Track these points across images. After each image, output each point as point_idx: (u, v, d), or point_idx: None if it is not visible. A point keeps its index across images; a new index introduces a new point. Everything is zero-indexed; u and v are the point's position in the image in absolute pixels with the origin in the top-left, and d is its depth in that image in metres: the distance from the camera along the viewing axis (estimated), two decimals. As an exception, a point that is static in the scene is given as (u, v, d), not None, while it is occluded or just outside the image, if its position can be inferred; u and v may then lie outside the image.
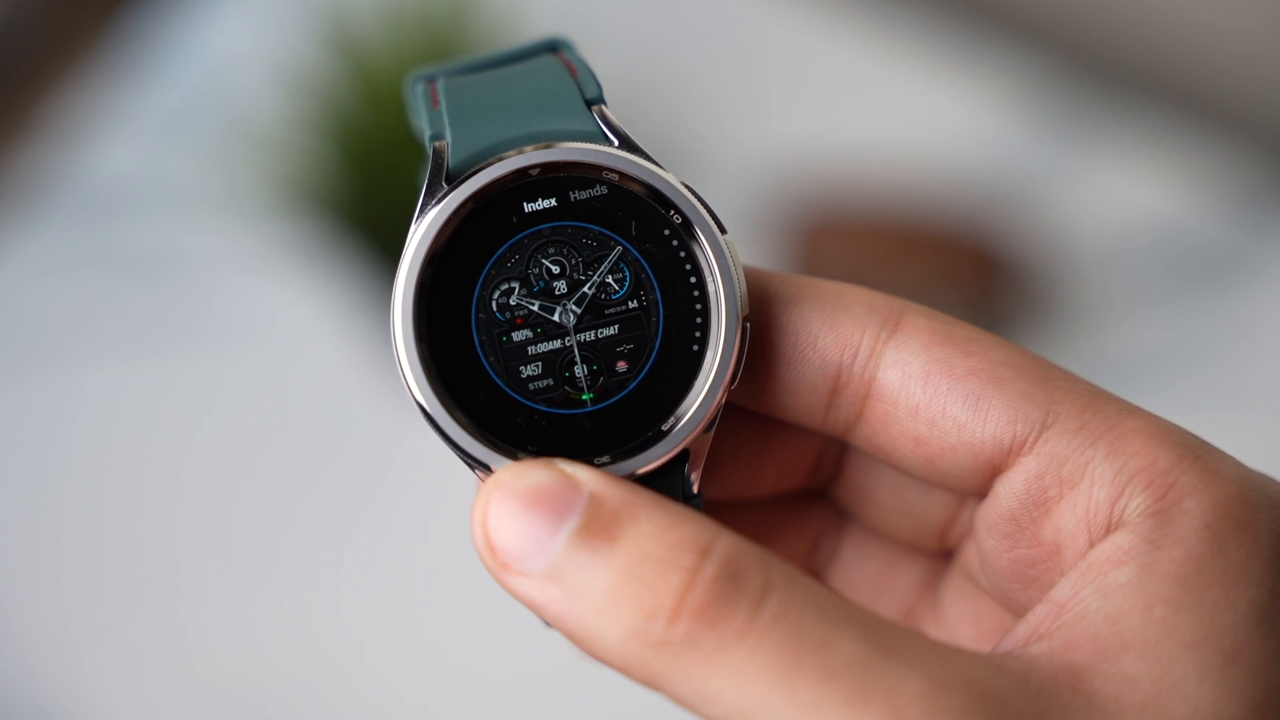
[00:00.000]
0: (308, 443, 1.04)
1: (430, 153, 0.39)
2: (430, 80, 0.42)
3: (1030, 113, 1.12)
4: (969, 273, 1.02)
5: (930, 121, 1.12)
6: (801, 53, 1.16)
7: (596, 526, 0.35)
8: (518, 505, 0.35)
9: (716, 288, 0.39)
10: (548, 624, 0.38)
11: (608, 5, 1.17)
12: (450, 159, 0.39)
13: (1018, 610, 0.40)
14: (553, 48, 0.43)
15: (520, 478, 0.36)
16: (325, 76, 1.00)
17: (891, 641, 0.32)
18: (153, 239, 1.11)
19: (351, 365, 1.05)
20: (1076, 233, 1.07)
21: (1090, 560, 0.35)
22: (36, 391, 1.06)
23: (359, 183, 0.98)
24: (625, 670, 0.34)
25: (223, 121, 1.10)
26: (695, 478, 0.39)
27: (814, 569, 0.46)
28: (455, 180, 0.39)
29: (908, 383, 0.38)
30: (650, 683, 0.34)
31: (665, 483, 0.39)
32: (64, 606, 1.00)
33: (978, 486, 0.39)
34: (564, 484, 0.36)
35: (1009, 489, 0.38)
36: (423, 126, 0.41)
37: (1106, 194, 1.09)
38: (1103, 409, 0.37)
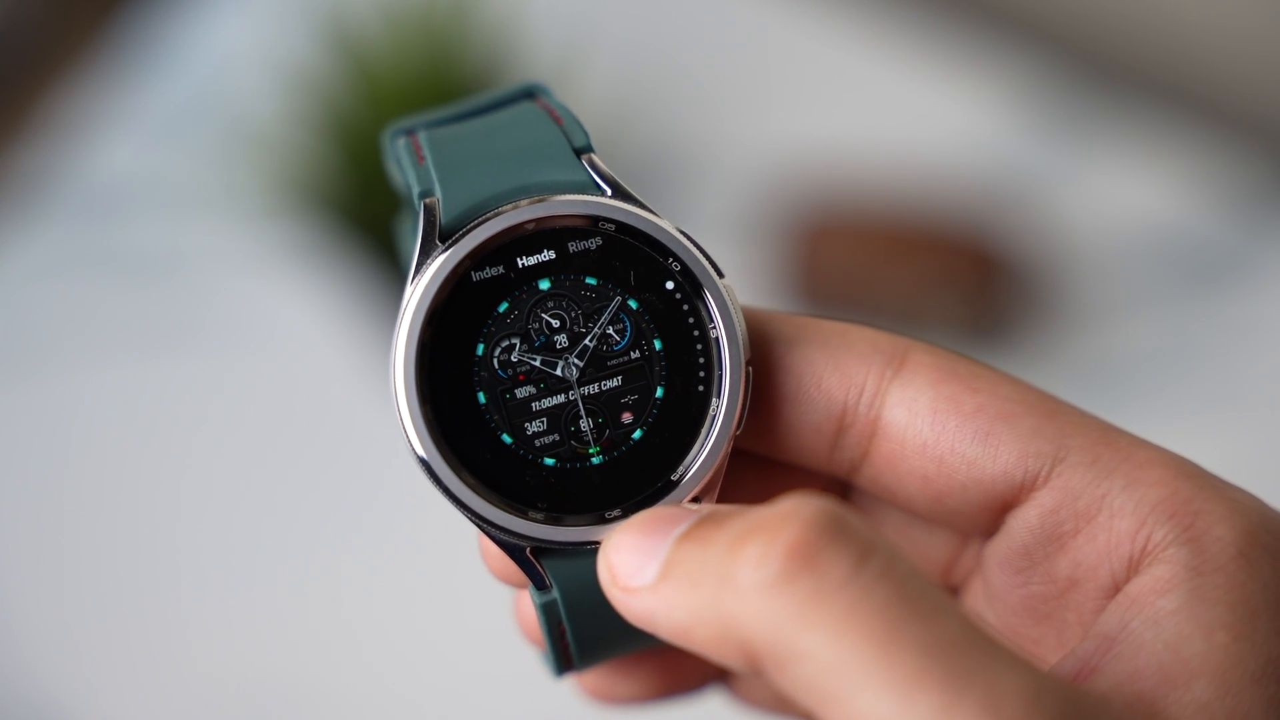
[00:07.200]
0: (307, 442, 1.04)
1: (421, 210, 0.39)
2: (410, 133, 0.41)
3: (1030, 113, 1.12)
4: (969, 273, 1.02)
5: (930, 121, 1.12)
6: (801, 53, 1.16)
7: (707, 523, 0.34)
8: (635, 529, 0.35)
9: (718, 333, 0.39)
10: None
11: (608, 5, 1.17)
12: (442, 216, 0.39)
13: (1028, 648, 0.39)
14: (530, 94, 0.43)
15: (640, 513, 0.36)
16: (325, 76, 1.00)
17: (988, 635, 0.31)
18: (153, 239, 1.11)
19: (351, 365, 1.05)
20: (1076, 233, 1.07)
21: (1131, 592, 0.35)
22: (37, 392, 1.06)
23: (359, 183, 0.98)
24: (720, 645, 0.32)
25: (223, 121, 1.10)
26: None
27: None
28: (449, 238, 0.38)
29: (915, 421, 0.38)
30: (744, 650, 0.32)
31: None
32: (64, 606, 1.00)
33: (986, 524, 0.39)
34: (680, 509, 0.36)
35: (1022, 524, 0.37)
36: (410, 182, 0.40)
37: (1106, 194, 1.09)
38: (1115, 442, 0.37)
